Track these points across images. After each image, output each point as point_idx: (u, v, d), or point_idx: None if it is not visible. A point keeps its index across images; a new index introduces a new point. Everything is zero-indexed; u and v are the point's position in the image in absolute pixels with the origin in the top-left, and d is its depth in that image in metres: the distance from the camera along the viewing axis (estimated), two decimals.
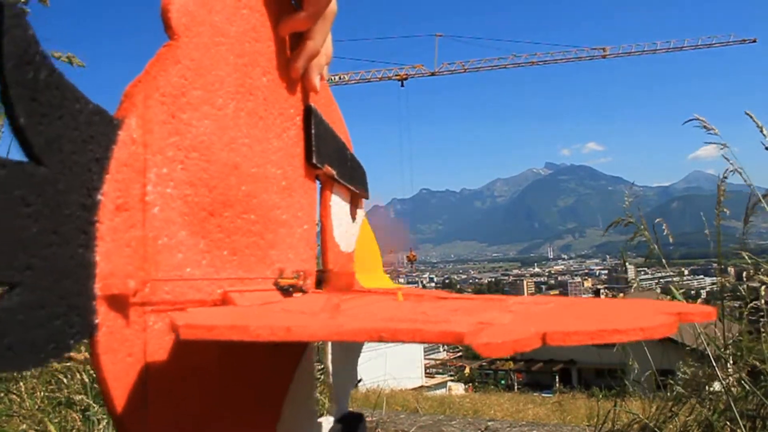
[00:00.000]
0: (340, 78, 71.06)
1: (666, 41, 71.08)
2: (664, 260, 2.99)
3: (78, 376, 2.63)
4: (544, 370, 44.09)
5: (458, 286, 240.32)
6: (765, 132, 2.75)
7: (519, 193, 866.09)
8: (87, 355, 2.28)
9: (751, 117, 2.78)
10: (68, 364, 2.40)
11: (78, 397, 2.62)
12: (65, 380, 2.57)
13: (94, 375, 2.66)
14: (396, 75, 70.55)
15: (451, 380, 39.76)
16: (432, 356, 53.32)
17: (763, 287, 2.73)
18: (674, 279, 3.55)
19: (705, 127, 2.87)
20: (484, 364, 50.09)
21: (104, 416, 2.45)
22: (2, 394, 2.37)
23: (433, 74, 71.51)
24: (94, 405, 2.67)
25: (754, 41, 76.75)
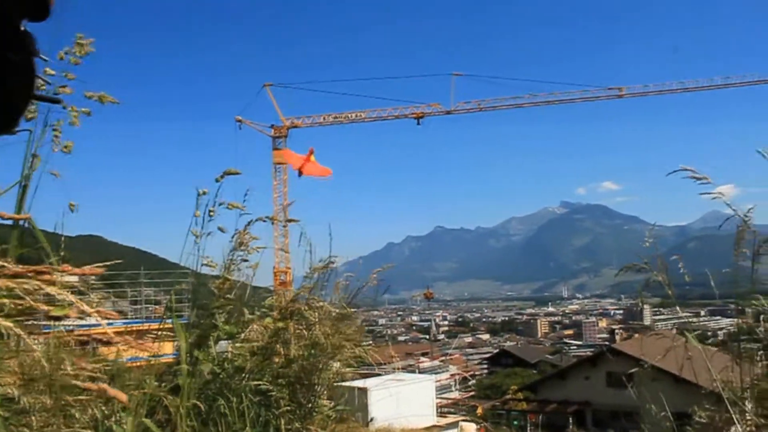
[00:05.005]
0: (356, 116, 71.54)
1: (680, 81, 70.43)
2: (679, 301, 2.97)
3: (90, 411, 2.62)
4: (558, 411, 43.28)
5: (471, 325, 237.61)
6: None
7: (534, 231, 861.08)
8: (100, 385, 2.28)
9: (763, 156, 2.77)
10: (81, 397, 2.40)
11: None
12: (77, 415, 2.56)
13: (106, 410, 2.64)
14: (412, 113, 70.76)
15: (464, 420, 39.03)
16: (444, 395, 52.50)
17: None
18: (691, 320, 3.51)
19: (695, 177, 2.85)
20: (497, 404, 49.23)
21: None
22: (14, 428, 2.37)
23: (449, 112, 71.54)
24: None
25: None
